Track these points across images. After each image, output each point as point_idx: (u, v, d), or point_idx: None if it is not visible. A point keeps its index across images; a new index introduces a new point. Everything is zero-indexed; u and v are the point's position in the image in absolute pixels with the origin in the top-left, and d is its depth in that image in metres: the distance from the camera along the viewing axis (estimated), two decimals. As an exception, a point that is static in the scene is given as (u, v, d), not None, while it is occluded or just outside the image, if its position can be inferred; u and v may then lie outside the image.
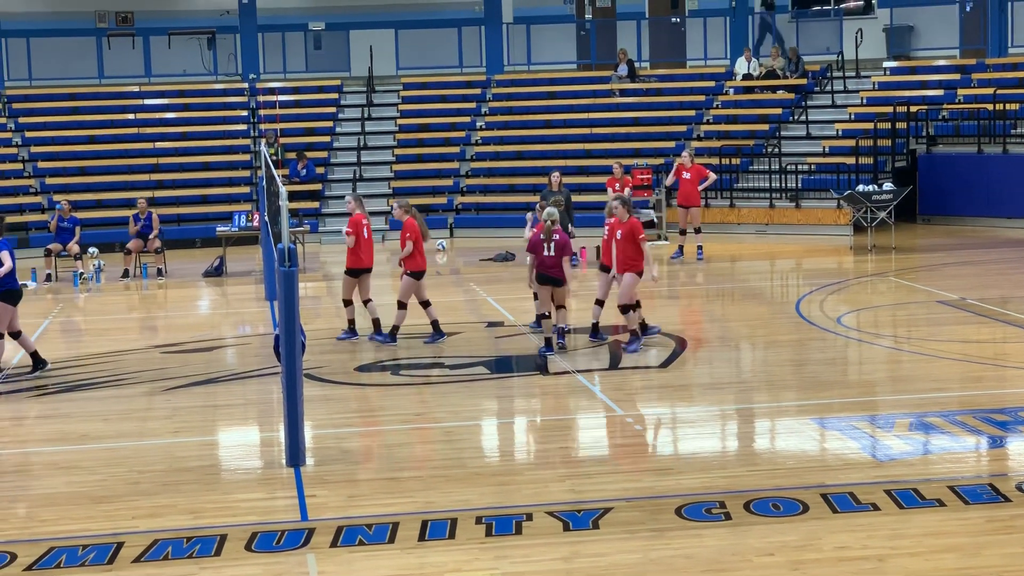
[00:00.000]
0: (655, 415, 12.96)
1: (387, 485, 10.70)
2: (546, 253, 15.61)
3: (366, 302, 16.87)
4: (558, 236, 15.67)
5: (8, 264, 15.01)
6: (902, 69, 32.34)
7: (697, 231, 24.14)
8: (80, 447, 12.24)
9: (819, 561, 8.64)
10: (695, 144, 30.11)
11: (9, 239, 15.78)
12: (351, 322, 16.91)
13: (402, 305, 16.50)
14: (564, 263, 15.75)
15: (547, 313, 15.86)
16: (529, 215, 18.16)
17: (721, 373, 14.97)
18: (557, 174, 22.54)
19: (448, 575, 8.63)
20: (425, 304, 16.56)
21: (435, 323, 16.62)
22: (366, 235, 16.80)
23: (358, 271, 16.80)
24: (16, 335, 15.39)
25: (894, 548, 8.82)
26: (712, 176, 24.85)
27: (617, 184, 24.03)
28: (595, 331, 16.42)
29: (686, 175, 24.17)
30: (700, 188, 24.32)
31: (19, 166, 30.37)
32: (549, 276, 15.66)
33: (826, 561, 8.63)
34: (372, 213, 21.66)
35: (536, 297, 16.19)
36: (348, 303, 16.93)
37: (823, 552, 8.80)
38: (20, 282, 23.85)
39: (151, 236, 24.26)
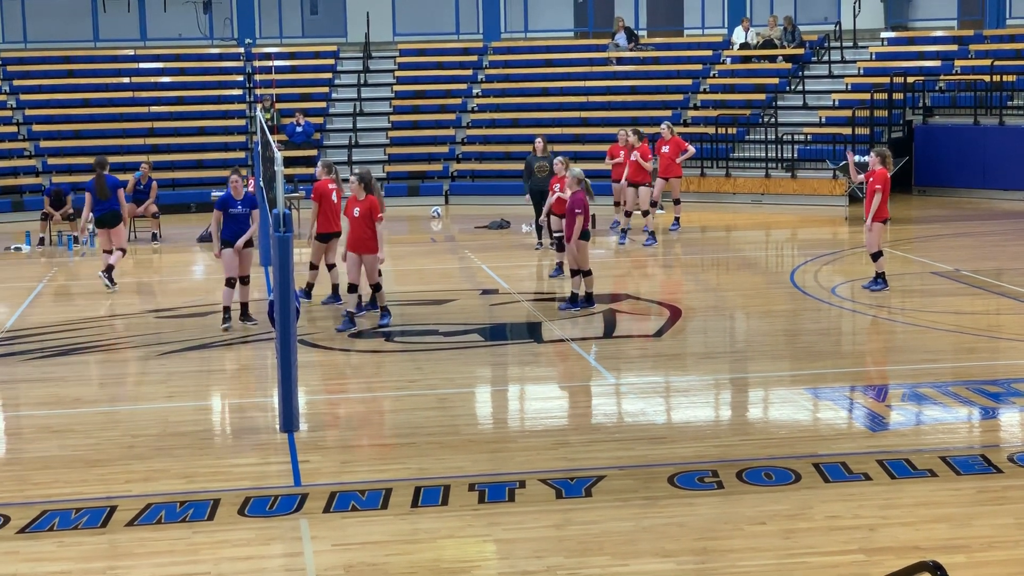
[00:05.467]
0: (649, 384, 12.98)
1: (380, 451, 10.73)
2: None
3: (331, 267, 16.97)
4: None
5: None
6: (900, 40, 32.26)
7: (653, 204, 23.99)
8: (74, 411, 12.25)
9: (811, 530, 8.67)
10: (691, 113, 30.13)
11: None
12: (335, 286, 17.04)
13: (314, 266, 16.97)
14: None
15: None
16: None
17: (715, 342, 14.99)
18: (540, 140, 22.67)
19: (441, 541, 8.65)
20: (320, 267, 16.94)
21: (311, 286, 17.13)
22: (335, 200, 16.66)
23: (327, 236, 16.73)
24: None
25: (885, 518, 8.85)
26: (691, 149, 24.76)
27: (622, 152, 23.93)
28: None
29: (665, 148, 24.15)
30: (679, 160, 24.26)
31: (14, 129, 30.28)
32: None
33: (817, 530, 8.67)
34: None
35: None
36: (314, 267, 17.01)
37: (815, 521, 8.83)
38: (14, 245, 23.77)
39: (147, 202, 24.34)
